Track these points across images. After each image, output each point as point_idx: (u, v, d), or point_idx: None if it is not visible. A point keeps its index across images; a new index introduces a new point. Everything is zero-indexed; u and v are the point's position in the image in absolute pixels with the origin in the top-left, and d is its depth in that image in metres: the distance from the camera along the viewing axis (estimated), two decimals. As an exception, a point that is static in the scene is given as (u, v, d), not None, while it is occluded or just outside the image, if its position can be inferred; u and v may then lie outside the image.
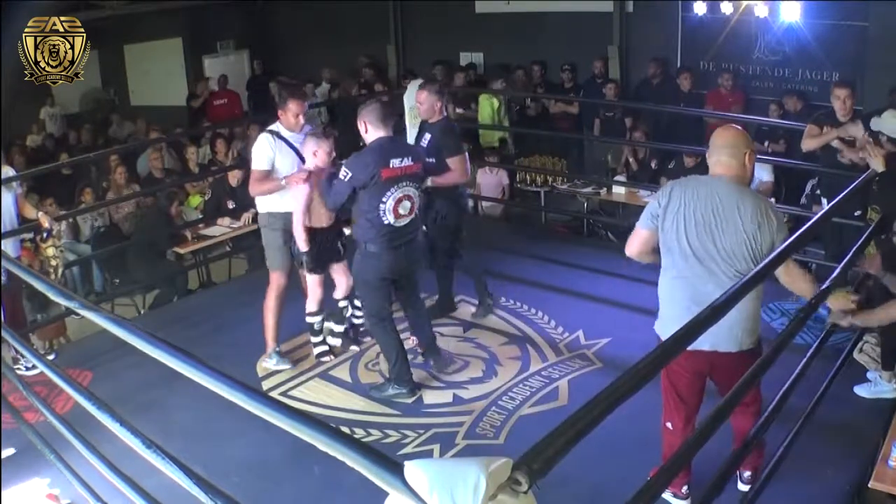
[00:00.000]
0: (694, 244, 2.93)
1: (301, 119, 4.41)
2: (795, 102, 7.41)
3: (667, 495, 3.26)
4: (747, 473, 3.28)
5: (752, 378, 2.62)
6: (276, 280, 4.56)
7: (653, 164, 7.67)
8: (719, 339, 2.93)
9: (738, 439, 3.10)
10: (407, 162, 4.05)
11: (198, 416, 4.01)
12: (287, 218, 4.41)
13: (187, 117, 10.79)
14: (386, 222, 4.04)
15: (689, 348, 2.90)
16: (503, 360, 4.66)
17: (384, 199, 4.00)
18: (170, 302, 6.32)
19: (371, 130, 4.07)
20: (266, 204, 4.51)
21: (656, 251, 3.11)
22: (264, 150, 4.38)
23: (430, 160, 4.61)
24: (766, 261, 2.64)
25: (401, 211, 4.07)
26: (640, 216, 3.11)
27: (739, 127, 3.23)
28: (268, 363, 4.61)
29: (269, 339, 4.61)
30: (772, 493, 3.04)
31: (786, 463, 3.18)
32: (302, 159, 4.41)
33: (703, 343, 2.93)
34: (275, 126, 4.45)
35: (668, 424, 3.20)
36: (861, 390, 4.01)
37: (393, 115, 4.25)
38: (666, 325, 3.01)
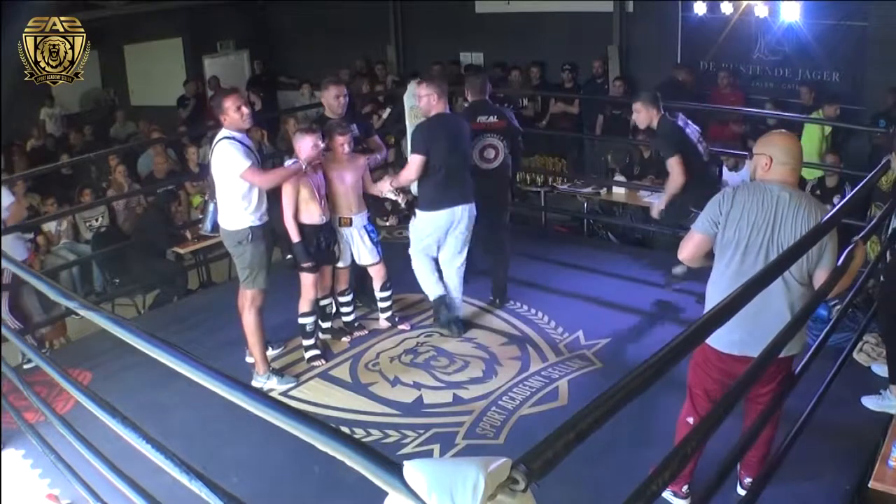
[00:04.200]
0: (754, 248, 2.92)
1: (245, 109, 4.14)
2: (808, 94, 7.38)
3: (667, 494, 3.26)
4: (748, 480, 3.27)
5: (759, 368, 2.61)
6: (257, 298, 4.36)
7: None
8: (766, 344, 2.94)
9: (755, 446, 3.11)
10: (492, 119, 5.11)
11: (197, 416, 4.01)
12: (265, 226, 4.33)
13: (180, 121, 10.75)
14: None
15: (739, 353, 2.95)
16: (503, 360, 4.66)
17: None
18: (170, 302, 6.32)
19: None
20: (243, 220, 4.23)
21: (706, 256, 3.12)
22: (235, 150, 4.10)
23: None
24: (787, 249, 2.68)
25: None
26: (697, 220, 3.08)
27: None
28: (267, 384, 4.42)
29: (261, 359, 4.44)
30: (772, 492, 3.03)
31: (786, 463, 3.18)
32: (258, 159, 4.27)
33: (751, 349, 2.90)
34: (224, 133, 4.17)
35: (690, 420, 3.18)
36: (868, 402, 3.98)
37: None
38: (720, 330, 2.97)
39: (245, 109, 4.15)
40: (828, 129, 6.95)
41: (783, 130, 3.40)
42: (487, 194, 5.03)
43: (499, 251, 5.40)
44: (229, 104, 4.13)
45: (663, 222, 5.44)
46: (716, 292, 3.00)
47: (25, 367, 4.54)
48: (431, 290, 5.01)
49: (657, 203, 5.24)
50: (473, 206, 4.83)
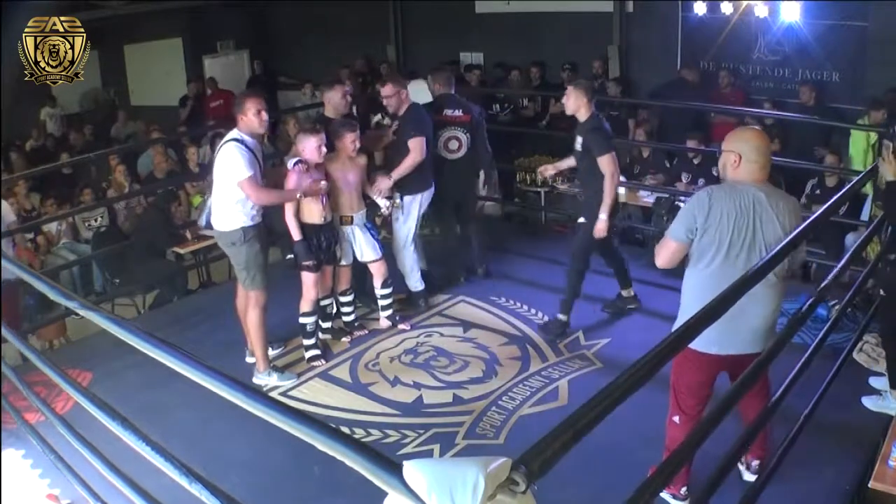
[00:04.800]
0: (736, 248, 2.92)
1: (264, 115, 4.20)
2: (809, 93, 7.36)
3: (665, 496, 3.26)
4: (755, 463, 3.29)
5: (754, 374, 2.64)
6: (260, 298, 4.37)
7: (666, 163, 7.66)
8: (747, 341, 2.99)
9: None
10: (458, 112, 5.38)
11: (197, 416, 4.01)
12: (259, 226, 4.33)
13: (180, 121, 10.79)
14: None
15: (717, 352, 2.99)
16: (503, 360, 4.66)
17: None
18: (170, 302, 6.32)
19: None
20: (236, 220, 4.25)
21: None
22: (241, 156, 4.11)
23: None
24: (774, 251, 2.68)
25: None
26: (672, 228, 3.04)
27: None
28: (267, 380, 4.44)
29: (263, 357, 4.46)
30: (772, 492, 3.04)
31: (786, 462, 3.18)
32: (261, 167, 4.30)
33: (731, 347, 2.99)
34: (235, 134, 4.19)
35: (676, 419, 3.20)
36: (868, 402, 3.98)
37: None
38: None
39: (264, 115, 4.21)
40: (873, 137, 6.53)
41: (753, 126, 3.39)
42: (454, 185, 5.39)
43: (470, 239, 5.68)
44: (251, 106, 4.17)
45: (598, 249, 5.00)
46: (698, 292, 2.97)
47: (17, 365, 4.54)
48: (417, 284, 5.33)
49: (602, 218, 4.71)
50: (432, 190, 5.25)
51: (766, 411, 2.96)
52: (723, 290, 2.83)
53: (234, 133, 4.22)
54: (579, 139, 4.78)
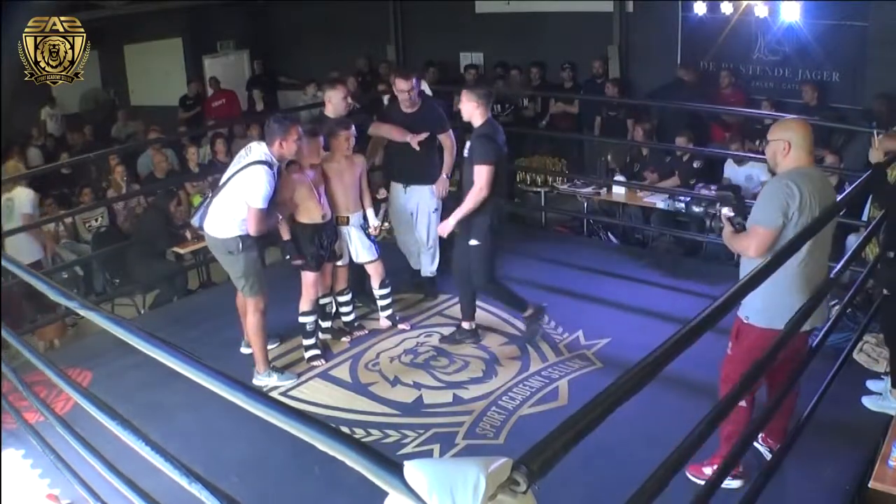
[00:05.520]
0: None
1: (300, 142, 4.19)
2: (812, 93, 7.35)
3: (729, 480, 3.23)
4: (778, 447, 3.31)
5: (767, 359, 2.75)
6: (258, 305, 4.35)
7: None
8: (816, 315, 3.13)
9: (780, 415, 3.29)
10: None
11: (198, 416, 4.01)
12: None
13: (182, 122, 10.81)
14: None
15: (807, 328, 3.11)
16: (503, 360, 4.66)
17: None
18: (170, 302, 6.32)
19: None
20: (235, 228, 4.22)
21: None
22: (265, 185, 4.07)
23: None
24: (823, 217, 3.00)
25: None
26: (762, 217, 3.05)
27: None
28: (267, 381, 4.42)
29: (263, 359, 4.45)
30: (772, 492, 3.03)
31: (786, 462, 3.18)
32: (274, 192, 4.22)
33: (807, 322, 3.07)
34: (265, 156, 4.12)
35: (743, 403, 3.16)
36: (868, 402, 3.99)
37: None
38: (781, 313, 2.98)
39: (300, 143, 4.20)
40: None
41: (796, 116, 3.51)
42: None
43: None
44: (295, 132, 4.13)
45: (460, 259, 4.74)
46: (792, 277, 3.03)
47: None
48: (435, 270, 5.54)
49: (451, 222, 4.57)
50: None
51: (785, 389, 3.03)
52: (814, 270, 3.06)
53: (263, 153, 4.12)
54: (468, 144, 4.55)
